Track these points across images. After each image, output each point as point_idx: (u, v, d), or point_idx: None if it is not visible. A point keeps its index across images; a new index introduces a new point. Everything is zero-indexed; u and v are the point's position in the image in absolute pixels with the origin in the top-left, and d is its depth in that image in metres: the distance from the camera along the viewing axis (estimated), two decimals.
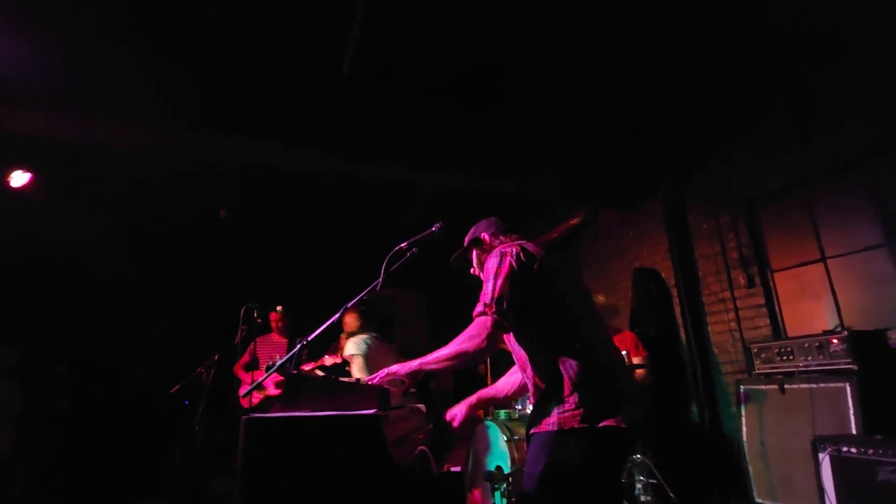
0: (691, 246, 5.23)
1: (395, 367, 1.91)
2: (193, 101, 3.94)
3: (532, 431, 1.69)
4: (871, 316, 3.77)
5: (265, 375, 2.28)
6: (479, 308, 1.73)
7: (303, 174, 5.10)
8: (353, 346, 3.34)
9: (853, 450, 2.87)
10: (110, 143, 4.07)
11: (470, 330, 1.72)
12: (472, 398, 2.14)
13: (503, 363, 2.23)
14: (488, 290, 1.73)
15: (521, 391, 2.15)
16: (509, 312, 1.70)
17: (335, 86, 4.18)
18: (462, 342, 1.72)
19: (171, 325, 6.68)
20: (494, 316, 1.68)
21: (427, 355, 1.82)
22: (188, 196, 5.69)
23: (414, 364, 1.82)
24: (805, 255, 4.31)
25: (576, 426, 1.58)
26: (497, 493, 3.77)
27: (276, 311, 5.31)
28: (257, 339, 5.16)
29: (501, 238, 2.09)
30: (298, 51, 3.89)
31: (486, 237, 2.13)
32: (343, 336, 4.10)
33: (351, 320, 3.72)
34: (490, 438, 4.43)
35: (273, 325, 5.31)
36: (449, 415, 2.09)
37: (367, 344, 3.28)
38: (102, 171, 4.94)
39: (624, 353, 4.26)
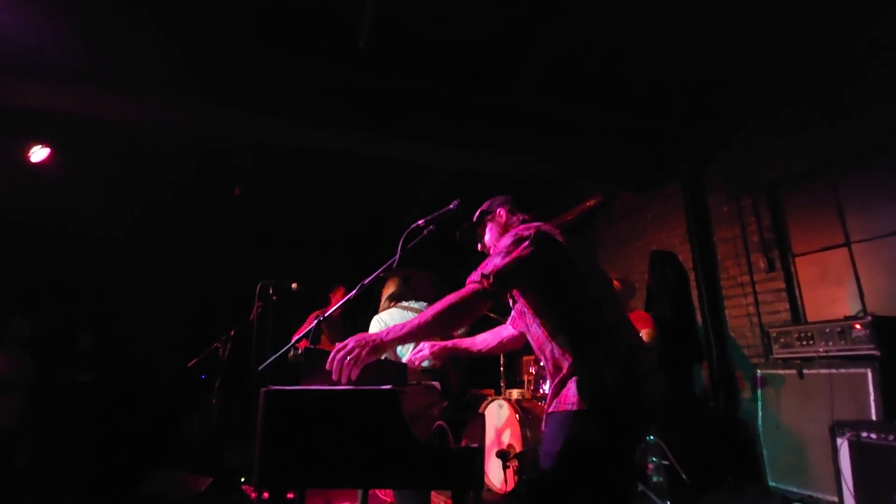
0: (710, 229, 5.15)
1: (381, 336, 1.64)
2: (206, 77, 3.92)
3: (550, 411, 1.68)
4: (895, 302, 3.69)
5: (280, 351, 2.28)
6: (473, 276, 1.68)
7: (320, 151, 5.08)
8: (373, 324, 3.28)
9: (873, 435, 2.83)
10: (123, 118, 4.09)
11: (453, 294, 1.65)
12: (449, 343, 2.24)
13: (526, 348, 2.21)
14: (491, 263, 1.68)
15: (495, 350, 2.25)
16: (504, 290, 1.68)
17: (349, 59, 4.13)
18: (442, 304, 1.63)
19: (188, 300, 6.77)
20: (486, 285, 1.63)
21: (403, 323, 1.64)
22: (205, 173, 5.70)
23: (385, 336, 1.60)
24: (829, 239, 4.21)
25: (595, 406, 1.57)
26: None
27: (341, 287, 5.33)
28: (314, 314, 5.21)
29: (519, 216, 2.04)
30: (313, 26, 3.84)
31: (503, 213, 2.07)
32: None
33: (386, 291, 3.48)
34: (503, 417, 4.46)
35: (335, 301, 5.29)
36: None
37: (382, 320, 3.22)
38: (120, 148, 4.96)
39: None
